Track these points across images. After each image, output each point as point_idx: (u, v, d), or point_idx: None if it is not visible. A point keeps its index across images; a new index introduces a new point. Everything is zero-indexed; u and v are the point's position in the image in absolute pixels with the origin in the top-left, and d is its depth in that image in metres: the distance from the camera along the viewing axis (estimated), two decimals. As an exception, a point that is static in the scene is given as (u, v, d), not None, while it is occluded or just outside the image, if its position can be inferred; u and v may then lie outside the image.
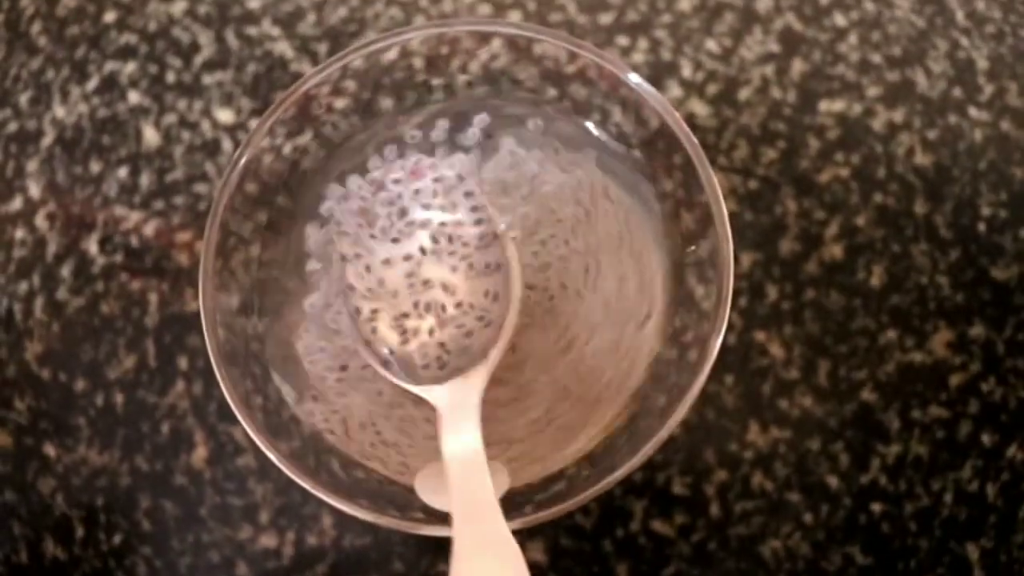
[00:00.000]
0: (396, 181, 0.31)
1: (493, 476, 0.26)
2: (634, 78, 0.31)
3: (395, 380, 0.30)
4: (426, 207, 0.30)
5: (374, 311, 0.30)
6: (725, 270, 0.28)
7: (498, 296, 0.30)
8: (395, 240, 0.30)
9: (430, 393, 0.29)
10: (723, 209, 0.29)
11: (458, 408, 0.29)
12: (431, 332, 0.30)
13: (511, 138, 0.34)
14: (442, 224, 0.30)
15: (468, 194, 0.31)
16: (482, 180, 0.33)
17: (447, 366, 0.30)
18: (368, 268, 0.30)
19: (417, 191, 0.31)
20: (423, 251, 0.30)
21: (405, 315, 0.30)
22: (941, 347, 0.35)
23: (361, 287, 0.30)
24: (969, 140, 0.37)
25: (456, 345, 0.30)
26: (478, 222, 0.30)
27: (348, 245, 0.31)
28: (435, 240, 0.30)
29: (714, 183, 0.29)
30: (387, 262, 0.30)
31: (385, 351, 0.30)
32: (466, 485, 0.27)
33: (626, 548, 0.34)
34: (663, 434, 0.27)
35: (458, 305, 0.30)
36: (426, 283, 0.30)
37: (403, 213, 0.31)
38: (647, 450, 0.27)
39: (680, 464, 0.34)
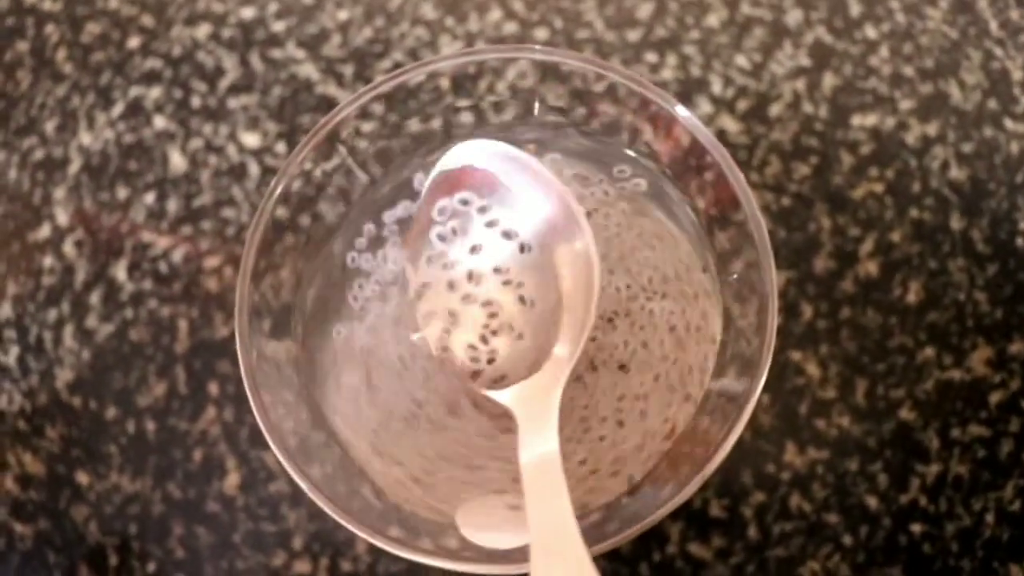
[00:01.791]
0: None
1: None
2: (663, 98, 0.30)
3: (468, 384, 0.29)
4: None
5: (430, 312, 0.30)
6: (769, 299, 0.28)
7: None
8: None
9: (502, 395, 0.28)
10: (764, 231, 0.29)
11: (536, 407, 0.27)
12: (489, 334, 0.30)
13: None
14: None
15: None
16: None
17: (505, 375, 0.30)
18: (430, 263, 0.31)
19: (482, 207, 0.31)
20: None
21: (454, 314, 0.30)
22: (980, 364, 0.35)
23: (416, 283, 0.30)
24: (1005, 152, 0.36)
25: (513, 348, 0.30)
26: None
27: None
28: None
29: (753, 204, 0.29)
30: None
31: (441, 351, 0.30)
32: (544, 507, 0.25)
33: (663, 572, 0.33)
34: (709, 469, 0.27)
35: (520, 300, 0.30)
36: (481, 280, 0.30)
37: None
38: (694, 484, 0.26)
39: (717, 486, 0.34)
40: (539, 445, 0.26)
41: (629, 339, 0.32)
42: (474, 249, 0.30)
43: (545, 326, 0.29)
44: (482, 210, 0.30)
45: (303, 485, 0.28)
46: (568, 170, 0.34)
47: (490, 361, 0.30)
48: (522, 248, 0.30)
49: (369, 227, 0.33)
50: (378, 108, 0.32)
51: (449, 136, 0.34)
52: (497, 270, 0.30)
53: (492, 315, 0.30)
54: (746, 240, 0.30)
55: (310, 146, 0.30)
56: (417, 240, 0.31)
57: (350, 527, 0.28)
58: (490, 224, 0.30)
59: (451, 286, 0.31)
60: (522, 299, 0.30)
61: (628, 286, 0.32)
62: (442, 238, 0.31)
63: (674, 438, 0.30)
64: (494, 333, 0.30)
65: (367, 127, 0.33)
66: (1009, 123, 0.37)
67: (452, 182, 0.30)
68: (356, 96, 0.31)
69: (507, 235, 0.30)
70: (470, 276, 0.31)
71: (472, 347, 0.30)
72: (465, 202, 0.31)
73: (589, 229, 0.29)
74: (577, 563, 0.24)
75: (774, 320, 0.28)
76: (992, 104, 0.37)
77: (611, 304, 0.32)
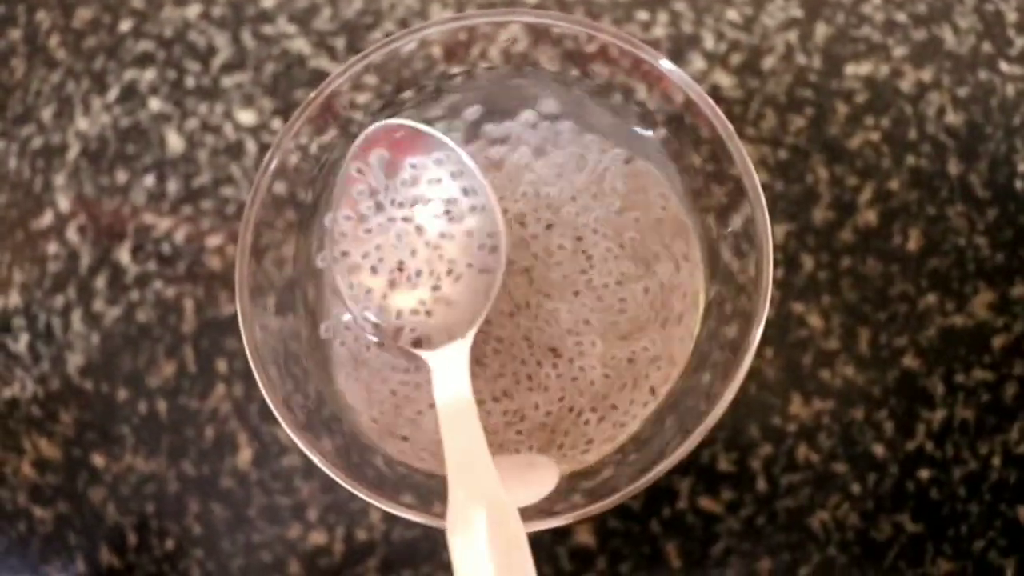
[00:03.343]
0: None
1: (542, 471, 0.26)
2: (653, 56, 0.30)
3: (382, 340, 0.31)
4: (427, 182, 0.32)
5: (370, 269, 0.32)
6: (764, 249, 0.28)
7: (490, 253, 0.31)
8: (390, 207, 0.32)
9: (421, 351, 0.31)
10: (757, 184, 0.29)
11: (448, 360, 0.30)
12: (421, 297, 0.31)
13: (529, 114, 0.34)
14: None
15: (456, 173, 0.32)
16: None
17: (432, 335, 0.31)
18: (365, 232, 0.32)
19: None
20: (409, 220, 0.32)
21: (392, 282, 0.32)
22: (982, 309, 0.35)
23: (356, 253, 0.32)
24: (1001, 96, 0.36)
25: (443, 308, 0.31)
26: (466, 193, 0.32)
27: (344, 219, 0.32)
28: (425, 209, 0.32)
29: (745, 158, 0.29)
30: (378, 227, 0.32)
31: (372, 316, 0.31)
32: (456, 436, 0.28)
33: (674, 527, 0.34)
34: (712, 418, 0.27)
35: (449, 272, 0.31)
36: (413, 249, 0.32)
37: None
38: (699, 433, 0.27)
39: (724, 440, 0.34)
40: (452, 389, 0.29)
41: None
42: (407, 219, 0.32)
43: (470, 295, 0.31)
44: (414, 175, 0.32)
45: (313, 458, 0.28)
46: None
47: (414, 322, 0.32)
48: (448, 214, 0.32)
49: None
50: (372, 79, 0.32)
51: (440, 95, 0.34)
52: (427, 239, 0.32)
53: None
54: (741, 194, 0.30)
55: (302, 119, 0.30)
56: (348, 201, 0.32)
57: (363, 496, 0.28)
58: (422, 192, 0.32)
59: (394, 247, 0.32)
60: (450, 271, 0.31)
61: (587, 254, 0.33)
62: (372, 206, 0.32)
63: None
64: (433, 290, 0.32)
65: (361, 98, 0.33)
66: (1004, 66, 0.37)
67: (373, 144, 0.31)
68: (347, 66, 0.31)
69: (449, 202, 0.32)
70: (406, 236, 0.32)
71: (413, 310, 0.31)
72: (413, 166, 0.32)
73: (491, 196, 0.31)
74: (488, 478, 0.26)
75: (770, 264, 0.28)
76: (987, 47, 0.37)
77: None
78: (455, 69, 0.34)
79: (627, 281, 0.32)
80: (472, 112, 0.34)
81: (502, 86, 0.34)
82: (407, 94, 0.34)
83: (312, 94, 0.30)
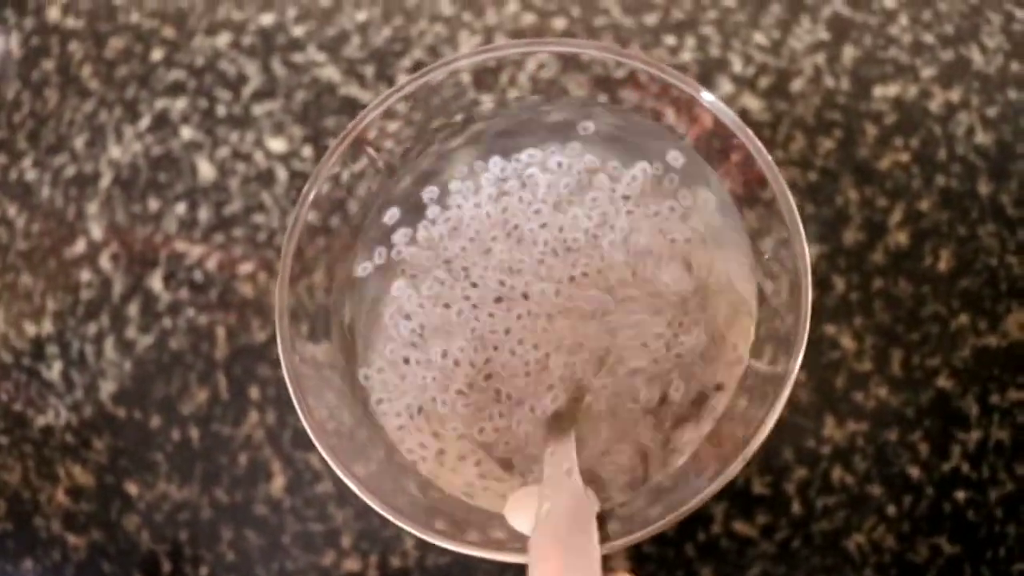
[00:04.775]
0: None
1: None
2: (693, 87, 0.31)
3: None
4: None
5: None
6: (803, 277, 0.28)
7: None
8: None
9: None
10: (794, 210, 0.29)
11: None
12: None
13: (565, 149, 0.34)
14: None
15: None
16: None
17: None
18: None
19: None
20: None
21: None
22: (1015, 328, 0.35)
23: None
24: (1030, 115, 0.36)
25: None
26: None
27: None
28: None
29: (781, 182, 0.29)
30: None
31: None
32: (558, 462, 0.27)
33: (709, 551, 0.34)
34: (754, 445, 0.27)
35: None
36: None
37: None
38: (741, 461, 0.27)
39: (759, 464, 0.34)
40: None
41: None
42: None
43: None
44: None
45: (350, 483, 0.28)
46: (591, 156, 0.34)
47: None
48: None
49: (403, 221, 0.33)
50: (402, 107, 0.32)
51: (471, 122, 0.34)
52: None
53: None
54: (774, 218, 0.30)
55: (340, 151, 0.31)
56: None
57: (398, 522, 0.28)
58: None
59: None
60: None
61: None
62: None
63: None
64: None
65: (392, 126, 0.33)
66: (1033, 85, 0.37)
67: None
68: (381, 99, 0.31)
69: None
70: None
71: None
72: None
73: None
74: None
75: (808, 299, 0.28)
76: (1015, 66, 0.37)
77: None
78: (484, 96, 0.34)
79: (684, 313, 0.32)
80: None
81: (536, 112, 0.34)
82: (436, 123, 0.34)
83: (348, 127, 0.31)
